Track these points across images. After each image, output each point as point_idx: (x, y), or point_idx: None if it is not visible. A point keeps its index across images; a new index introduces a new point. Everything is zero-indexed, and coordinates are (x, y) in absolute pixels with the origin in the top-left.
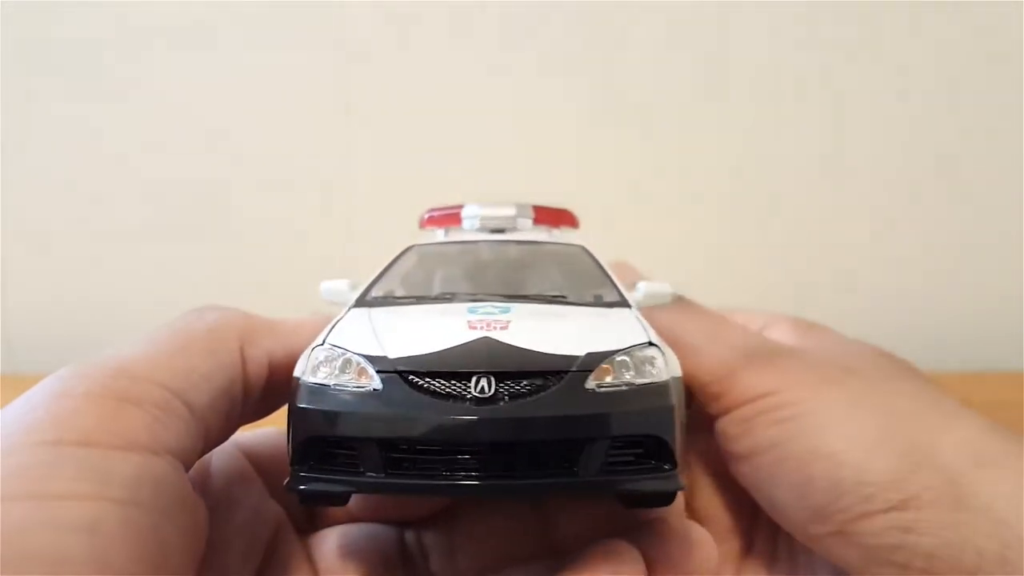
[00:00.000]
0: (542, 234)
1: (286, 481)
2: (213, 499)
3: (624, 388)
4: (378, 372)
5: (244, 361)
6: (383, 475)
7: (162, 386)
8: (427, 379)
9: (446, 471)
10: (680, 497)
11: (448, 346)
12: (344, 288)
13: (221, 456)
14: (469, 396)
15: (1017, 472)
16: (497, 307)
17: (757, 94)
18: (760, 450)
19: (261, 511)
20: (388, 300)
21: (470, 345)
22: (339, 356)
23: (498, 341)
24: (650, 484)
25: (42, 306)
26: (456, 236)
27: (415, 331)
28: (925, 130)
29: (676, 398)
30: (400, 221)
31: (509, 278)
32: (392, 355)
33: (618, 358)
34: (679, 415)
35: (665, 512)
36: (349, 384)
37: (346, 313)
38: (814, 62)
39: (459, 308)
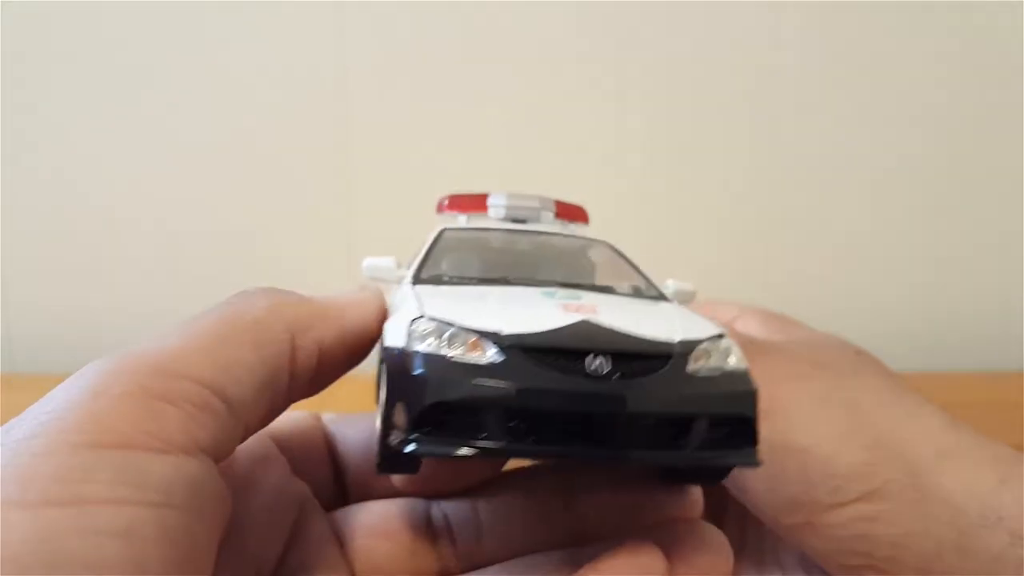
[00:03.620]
0: (562, 227)
1: (395, 440)
2: (237, 481)
3: (717, 374)
4: (496, 346)
5: (293, 351)
6: (504, 441)
7: (201, 383)
8: (546, 355)
9: (564, 440)
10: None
11: (556, 326)
12: (390, 265)
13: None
14: (587, 373)
15: (974, 463)
16: (566, 292)
17: (757, 94)
18: None
19: (285, 490)
20: (450, 280)
21: (576, 326)
22: (446, 329)
23: (599, 324)
24: (741, 459)
25: (42, 306)
26: (478, 223)
27: (510, 309)
28: (925, 129)
29: (754, 384)
30: (402, 209)
31: (552, 267)
32: (506, 331)
33: (706, 346)
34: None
35: (687, 510)
36: (467, 356)
37: (411, 289)
38: (814, 62)
39: (531, 291)
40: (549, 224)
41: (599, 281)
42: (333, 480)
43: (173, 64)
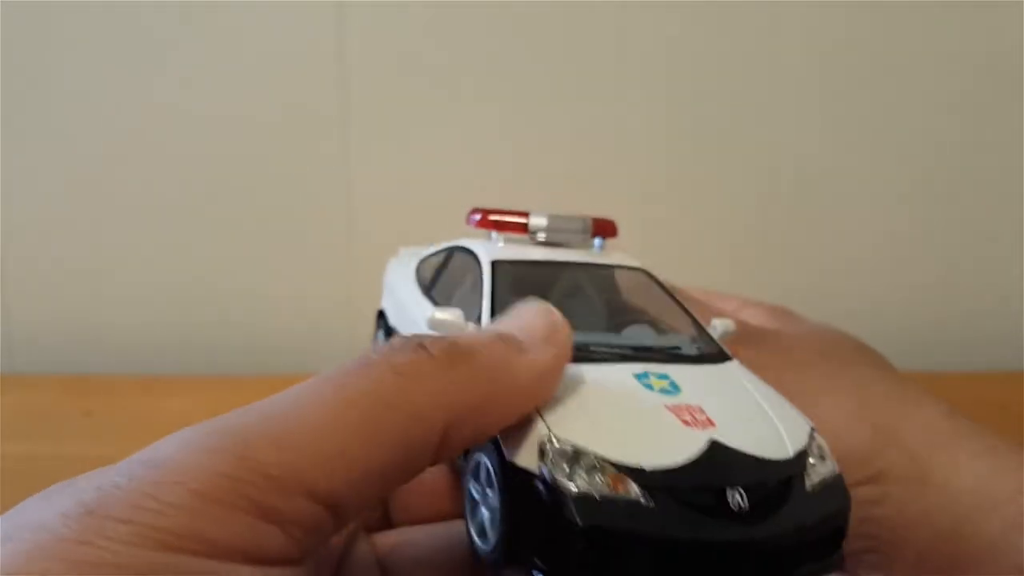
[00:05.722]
0: (597, 252)
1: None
2: None
3: (825, 487)
4: (643, 486)
5: (440, 447)
6: None
7: (320, 501)
8: (691, 493)
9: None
10: None
11: (692, 455)
12: (459, 322)
13: (355, 569)
14: (730, 510)
15: (972, 451)
16: (656, 375)
17: (758, 93)
18: None
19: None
20: None
21: (711, 455)
22: (584, 459)
23: (728, 447)
24: (835, 566)
25: (42, 306)
26: (520, 250)
27: (632, 424)
28: (925, 129)
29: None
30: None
31: (602, 317)
32: (647, 467)
33: (813, 460)
34: None
35: None
36: (616, 494)
37: None
38: (814, 62)
39: (625, 375)
40: (587, 247)
41: (659, 329)
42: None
43: (172, 62)
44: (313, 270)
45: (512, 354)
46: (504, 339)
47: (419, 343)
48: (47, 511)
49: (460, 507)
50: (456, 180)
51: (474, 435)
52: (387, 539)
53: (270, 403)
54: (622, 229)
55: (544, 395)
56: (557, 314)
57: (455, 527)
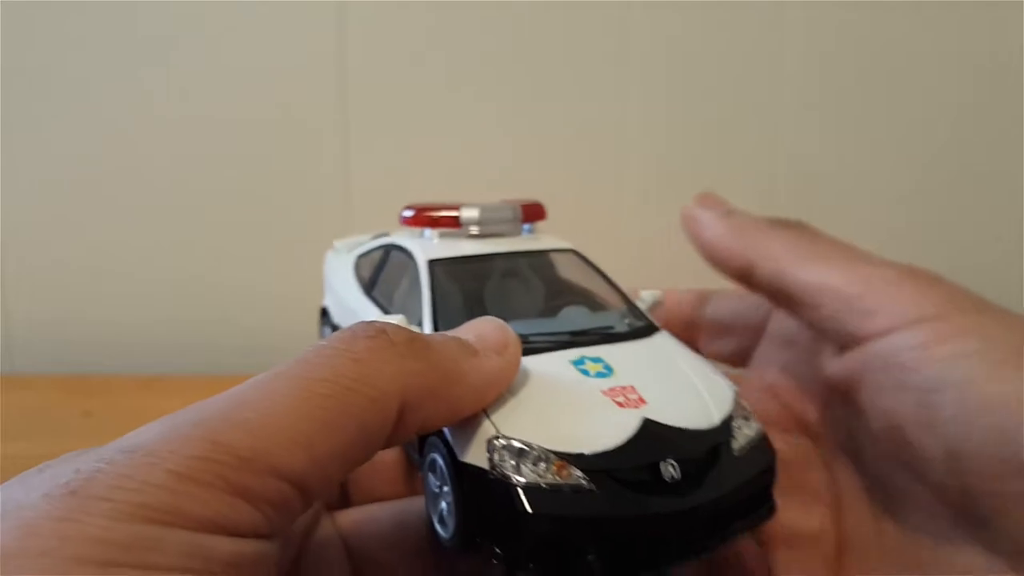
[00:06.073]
0: (529, 238)
1: (492, 562)
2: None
3: (749, 449)
4: (583, 471)
5: (395, 430)
6: (604, 563)
7: (288, 480)
8: (628, 472)
9: (650, 550)
10: None
11: (626, 437)
12: (402, 323)
13: (320, 545)
14: (665, 482)
15: None
16: (591, 358)
17: (758, 93)
18: (942, 385)
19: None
20: None
21: (643, 434)
22: (529, 452)
23: (658, 423)
24: (767, 515)
25: (42, 306)
26: (453, 246)
27: (569, 415)
28: (925, 129)
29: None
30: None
31: (540, 302)
32: (587, 452)
33: (738, 422)
34: None
35: None
36: (559, 481)
37: None
38: (814, 62)
39: (562, 364)
40: (518, 234)
41: (593, 309)
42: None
43: (172, 62)
44: (313, 270)
45: (465, 355)
46: (459, 342)
47: (382, 328)
48: (29, 493)
49: (414, 489)
50: (456, 180)
51: (424, 422)
52: (349, 516)
53: (240, 391)
54: (621, 228)
55: (490, 399)
56: (510, 331)
57: (414, 504)
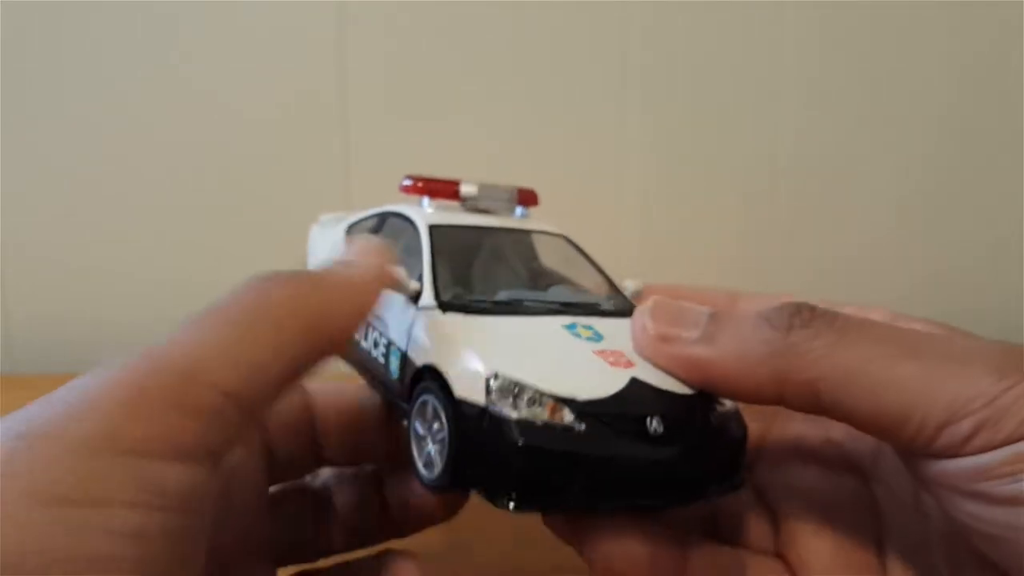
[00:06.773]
0: (524, 219)
1: (487, 497)
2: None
3: (725, 416)
4: (574, 412)
5: (311, 348)
6: (589, 500)
7: (222, 392)
8: (616, 419)
9: (630, 493)
10: None
11: (616, 389)
12: (405, 281)
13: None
14: (650, 435)
15: None
16: (583, 325)
17: (758, 93)
18: None
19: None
20: (473, 306)
21: (631, 390)
22: (525, 391)
23: (645, 383)
24: (736, 491)
25: (42, 306)
26: (449, 214)
27: (564, 365)
28: (925, 129)
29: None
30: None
31: (530, 278)
32: (580, 397)
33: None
34: None
35: None
36: (553, 421)
37: (444, 320)
38: (814, 61)
39: (555, 327)
40: (512, 214)
41: (580, 286)
42: (310, 447)
43: (172, 61)
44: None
45: (346, 269)
46: (340, 262)
47: (274, 271)
48: None
49: (388, 446)
50: (455, 178)
51: (328, 338)
52: (317, 388)
53: (168, 334)
54: (621, 228)
55: (372, 293)
56: (381, 241)
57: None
